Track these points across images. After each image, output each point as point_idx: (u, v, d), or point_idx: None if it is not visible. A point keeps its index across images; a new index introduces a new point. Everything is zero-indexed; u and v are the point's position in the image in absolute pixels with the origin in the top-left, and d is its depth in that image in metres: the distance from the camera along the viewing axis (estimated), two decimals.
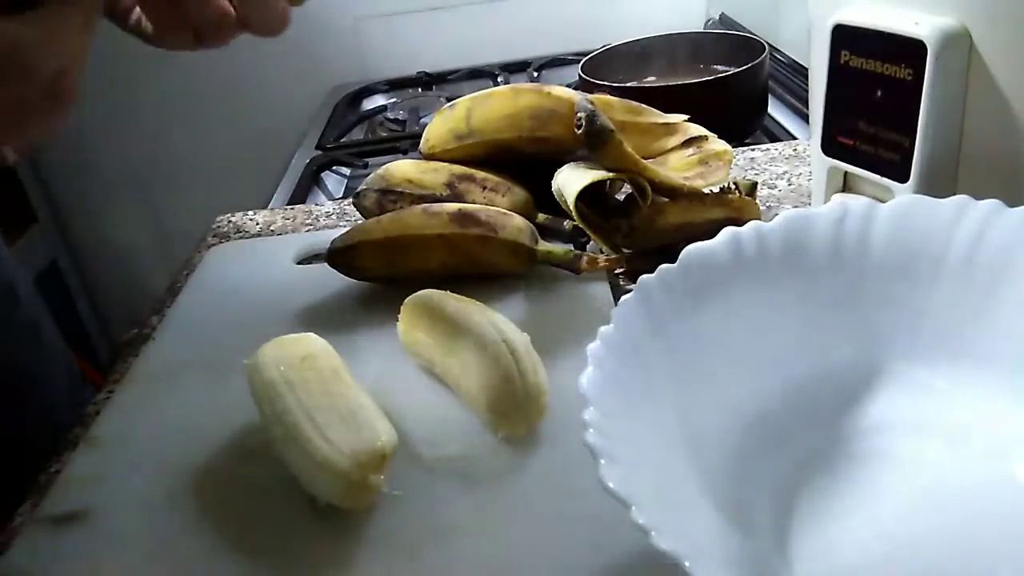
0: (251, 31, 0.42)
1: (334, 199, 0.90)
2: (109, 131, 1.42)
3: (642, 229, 0.53)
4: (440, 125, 0.62)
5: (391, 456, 0.38)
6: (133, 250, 1.61)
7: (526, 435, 0.42)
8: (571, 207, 0.52)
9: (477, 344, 0.43)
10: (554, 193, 0.56)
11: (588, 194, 0.53)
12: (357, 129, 1.22)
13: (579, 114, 0.51)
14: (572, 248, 0.56)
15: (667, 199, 0.54)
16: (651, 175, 0.53)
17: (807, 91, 0.56)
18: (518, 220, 0.56)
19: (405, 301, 0.49)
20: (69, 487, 0.44)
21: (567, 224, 0.58)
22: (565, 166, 0.56)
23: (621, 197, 0.58)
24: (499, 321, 0.45)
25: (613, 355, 0.33)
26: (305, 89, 1.39)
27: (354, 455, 0.37)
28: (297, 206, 0.79)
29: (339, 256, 0.56)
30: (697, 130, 0.60)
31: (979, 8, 0.42)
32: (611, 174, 0.52)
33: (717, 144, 0.59)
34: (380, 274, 0.56)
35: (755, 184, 0.58)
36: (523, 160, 0.60)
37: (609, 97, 0.59)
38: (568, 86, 0.61)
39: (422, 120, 1.15)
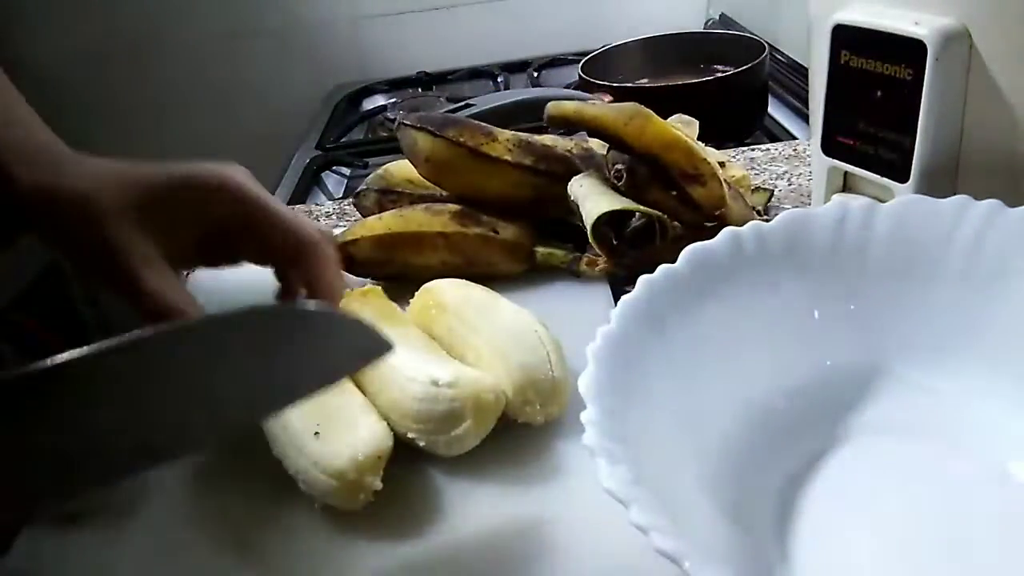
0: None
1: (334, 199, 0.90)
2: (109, 131, 1.42)
3: (654, 261, 0.52)
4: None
5: (386, 457, 0.38)
6: None
7: (539, 427, 0.42)
8: (588, 227, 0.52)
9: (513, 328, 0.43)
10: (568, 194, 0.55)
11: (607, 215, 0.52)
12: (357, 129, 1.22)
13: (617, 166, 0.51)
14: (572, 248, 0.56)
15: (689, 229, 0.52)
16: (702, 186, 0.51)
17: (807, 91, 0.56)
18: (519, 221, 0.56)
19: (425, 285, 0.49)
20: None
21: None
22: (587, 177, 0.54)
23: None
24: (527, 312, 0.45)
25: (613, 355, 0.33)
26: (305, 89, 1.39)
27: (350, 457, 0.37)
28: (297, 206, 0.80)
29: (340, 250, 0.56)
30: (717, 155, 0.59)
31: (979, 8, 0.42)
32: (637, 207, 0.51)
33: (735, 170, 0.59)
34: (380, 270, 0.56)
35: (771, 193, 0.58)
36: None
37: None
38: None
39: None
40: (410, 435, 0.40)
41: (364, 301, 0.47)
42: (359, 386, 0.43)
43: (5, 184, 0.44)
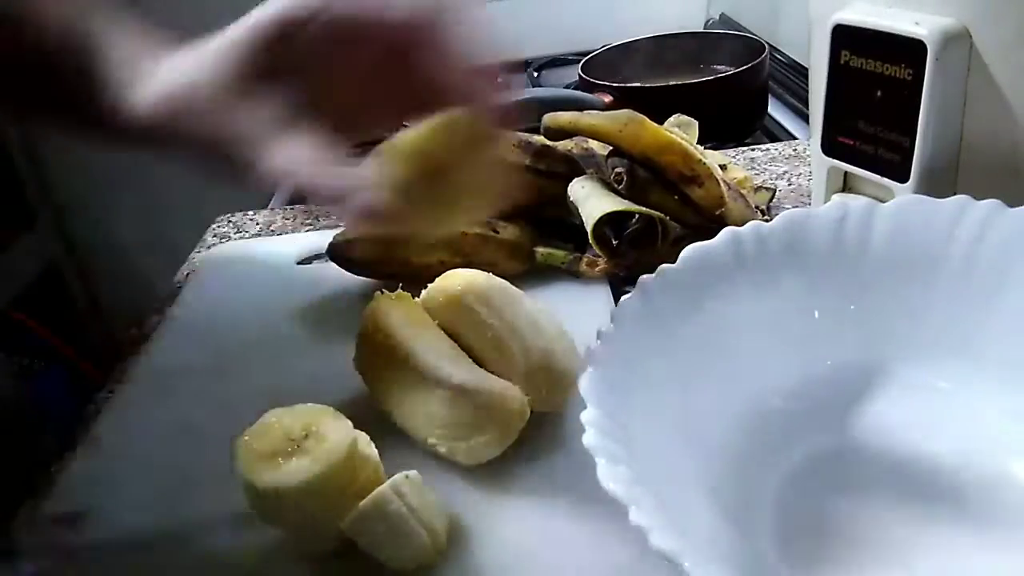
0: None
1: None
2: None
3: (654, 261, 0.52)
4: None
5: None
6: (133, 250, 1.61)
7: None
8: (588, 228, 0.52)
9: (537, 319, 0.43)
10: (569, 195, 0.55)
11: (608, 216, 0.52)
12: None
13: (617, 169, 0.51)
14: (572, 248, 0.56)
15: (690, 229, 0.52)
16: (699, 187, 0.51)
17: (807, 91, 0.56)
18: (519, 221, 0.56)
19: (450, 271, 0.49)
20: (69, 487, 0.44)
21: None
22: (588, 180, 0.54)
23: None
24: (547, 309, 0.45)
25: (613, 355, 0.33)
26: None
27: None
28: (297, 206, 0.79)
29: (339, 249, 0.56)
30: (718, 158, 0.59)
31: (979, 8, 0.42)
32: (637, 208, 0.51)
33: (736, 172, 0.59)
34: (379, 269, 0.56)
35: (774, 192, 0.58)
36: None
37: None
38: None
39: None
40: (431, 440, 0.40)
41: (394, 304, 0.46)
42: (382, 392, 0.43)
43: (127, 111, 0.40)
